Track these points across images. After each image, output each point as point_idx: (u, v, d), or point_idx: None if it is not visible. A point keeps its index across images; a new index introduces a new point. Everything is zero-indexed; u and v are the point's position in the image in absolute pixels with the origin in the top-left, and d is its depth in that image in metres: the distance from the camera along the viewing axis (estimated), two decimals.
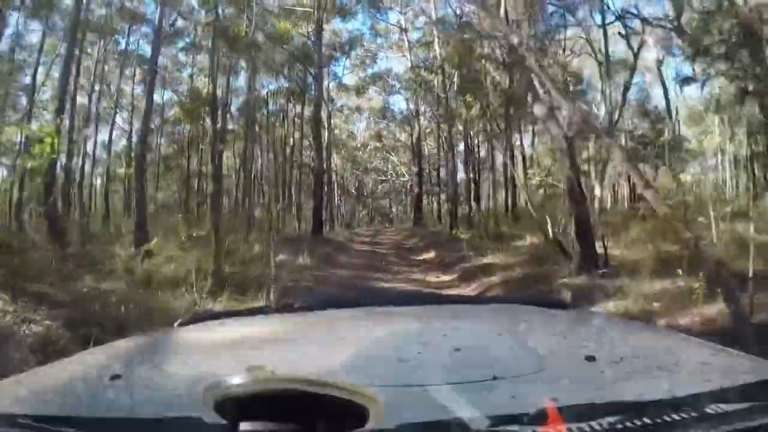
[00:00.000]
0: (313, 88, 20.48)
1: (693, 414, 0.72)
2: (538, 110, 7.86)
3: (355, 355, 1.05)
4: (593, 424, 0.69)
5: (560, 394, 0.78)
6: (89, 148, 23.02)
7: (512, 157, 17.12)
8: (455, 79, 19.71)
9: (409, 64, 25.94)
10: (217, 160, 9.51)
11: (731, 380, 0.88)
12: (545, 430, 0.68)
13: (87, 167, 22.69)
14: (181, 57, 23.03)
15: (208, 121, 17.60)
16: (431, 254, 14.79)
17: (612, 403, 0.75)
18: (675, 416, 0.71)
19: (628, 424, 0.69)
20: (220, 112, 18.89)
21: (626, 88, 17.30)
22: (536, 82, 7.30)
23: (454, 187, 21.42)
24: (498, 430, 0.68)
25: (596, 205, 12.72)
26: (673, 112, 21.67)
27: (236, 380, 0.75)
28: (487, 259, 10.66)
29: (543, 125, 8.38)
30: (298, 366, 0.94)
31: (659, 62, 17.08)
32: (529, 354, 1.05)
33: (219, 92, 18.73)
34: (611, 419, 0.70)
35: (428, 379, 0.88)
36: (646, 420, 0.70)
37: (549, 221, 8.31)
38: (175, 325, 1.55)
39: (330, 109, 26.94)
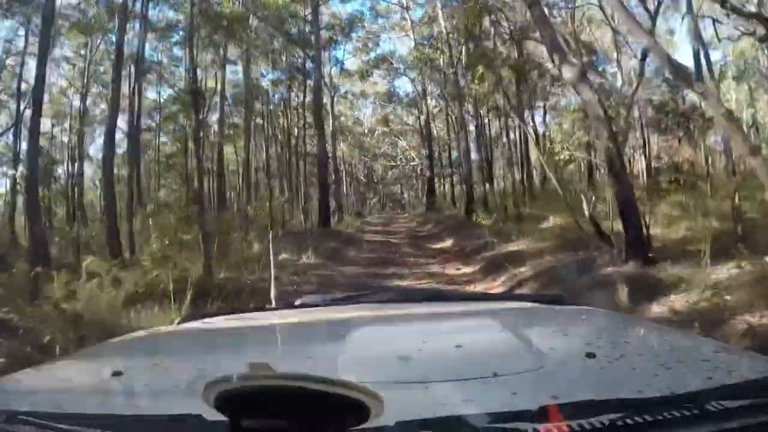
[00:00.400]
0: (312, 72, 19.52)
1: (694, 411, 0.70)
2: (568, 72, 6.78)
3: (356, 352, 1.04)
4: (594, 421, 0.67)
5: (561, 391, 0.77)
6: (91, 151, 22.49)
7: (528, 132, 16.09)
8: (462, 55, 18.71)
9: (413, 44, 24.96)
10: (202, 152, 8.59)
11: (733, 377, 0.86)
12: (546, 428, 0.66)
13: (89, 171, 22.17)
14: (177, 52, 22.13)
15: (209, 116, 16.84)
16: (448, 242, 13.85)
17: (612, 400, 0.72)
18: (676, 413, 0.69)
19: (629, 421, 0.67)
20: (219, 103, 18.09)
21: (644, 56, 16.24)
22: (562, 41, 6.24)
23: (468, 167, 20.34)
24: (498, 427, 0.67)
25: None
26: (706, 75, 20.44)
27: (237, 377, 0.68)
28: (513, 246, 9.65)
29: (574, 89, 7.28)
30: (299, 363, 0.95)
31: (695, 17, 15.84)
32: (529, 351, 1.01)
33: (213, 82, 17.97)
34: (612, 416, 0.67)
35: (429, 376, 0.87)
36: (647, 417, 0.68)
37: (585, 200, 7.27)
38: (176, 322, 1.62)
39: (333, 95, 25.99)
